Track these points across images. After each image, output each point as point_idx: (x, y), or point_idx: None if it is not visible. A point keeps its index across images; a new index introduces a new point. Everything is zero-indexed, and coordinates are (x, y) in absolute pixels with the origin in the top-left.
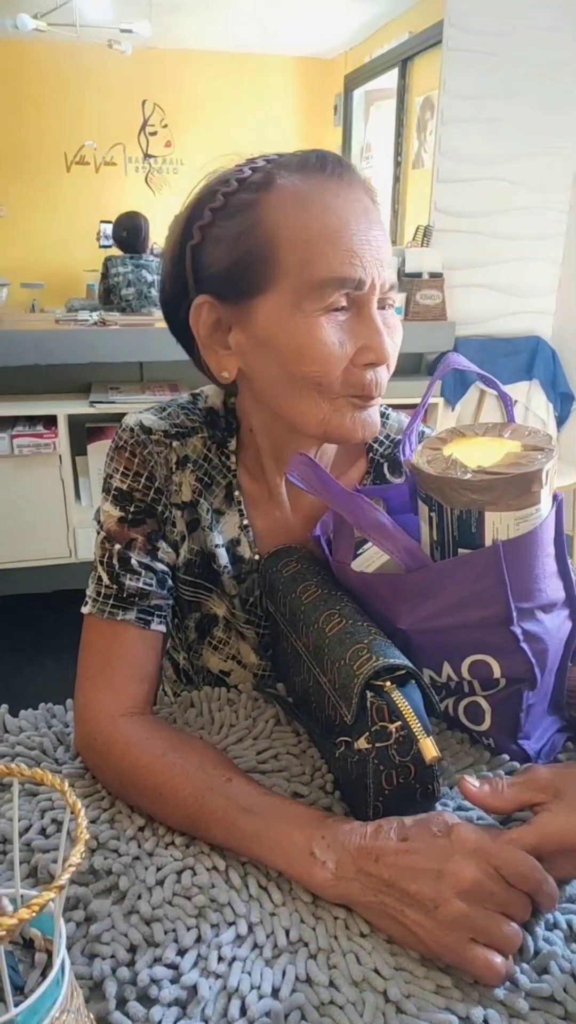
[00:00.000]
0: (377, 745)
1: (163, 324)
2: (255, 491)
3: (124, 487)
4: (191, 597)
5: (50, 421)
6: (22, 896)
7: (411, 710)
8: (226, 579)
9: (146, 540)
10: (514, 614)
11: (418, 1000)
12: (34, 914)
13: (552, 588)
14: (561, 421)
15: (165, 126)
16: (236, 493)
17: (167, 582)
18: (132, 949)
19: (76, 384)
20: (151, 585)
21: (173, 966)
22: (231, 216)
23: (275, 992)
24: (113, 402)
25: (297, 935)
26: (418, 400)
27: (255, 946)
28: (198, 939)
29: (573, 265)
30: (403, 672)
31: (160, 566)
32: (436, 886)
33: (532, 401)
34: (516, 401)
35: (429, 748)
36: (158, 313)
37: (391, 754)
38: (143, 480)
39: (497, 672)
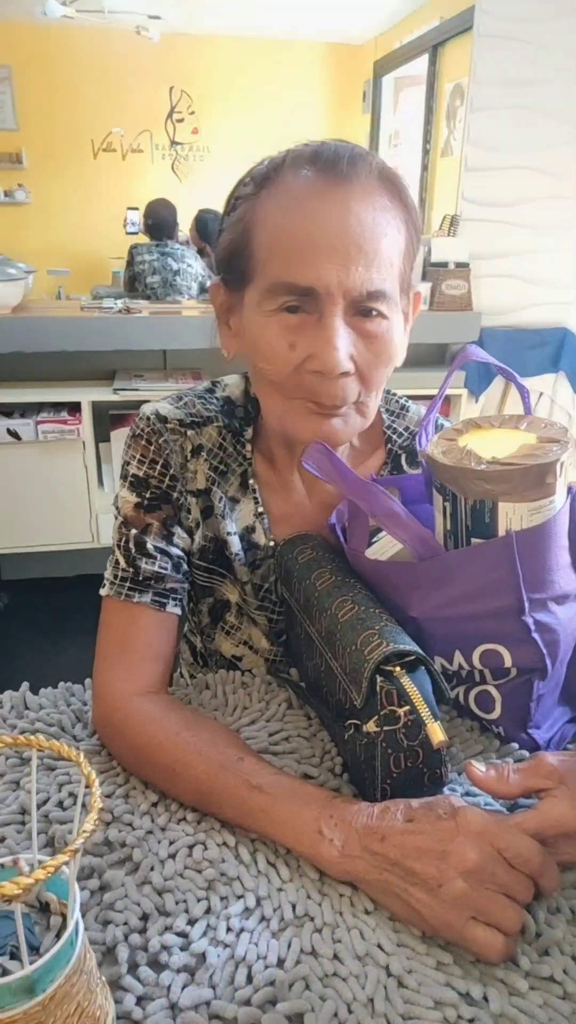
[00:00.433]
0: (386, 729)
1: (188, 312)
2: (271, 478)
3: (140, 474)
4: (204, 582)
5: (74, 408)
6: (39, 861)
7: (420, 695)
8: (238, 566)
9: (161, 525)
10: (526, 604)
11: (419, 975)
12: (49, 875)
13: (565, 579)
14: None
15: (192, 113)
16: (251, 481)
17: (182, 566)
18: (144, 917)
19: (100, 371)
20: (166, 569)
21: (183, 934)
22: (236, 207)
23: (280, 963)
24: (137, 389)
25: (303, 910)
26: (436, 392)
27: (262, 919)
28: (208, 910)
29: None
30: (413, 658)
31: (175, 551)
32: (440, 866)
33: (558, 394)
34: (541, 394)
35: (436, 732)
36: (183, 301)
37: (399, 738)
38: (158, 467)
39: (508, 661)
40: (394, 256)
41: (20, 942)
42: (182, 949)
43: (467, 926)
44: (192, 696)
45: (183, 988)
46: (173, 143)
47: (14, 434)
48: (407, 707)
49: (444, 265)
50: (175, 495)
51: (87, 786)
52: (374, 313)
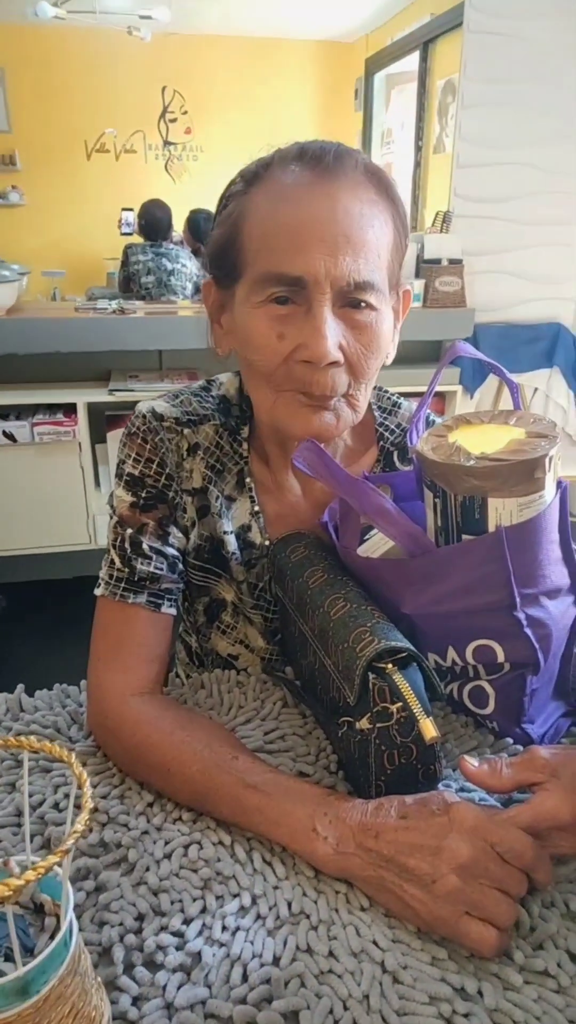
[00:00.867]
0: (379, 725)
1: (183, 313)
2: (266, 477)
3: (136, 473)
4: (200, 582)
5: (70, 409)
6: (32, 862)
7: (412, 692)
8: (234, 565)
9: (157, 525)
10: (518, 600)
11: (414, 971)
12: (40, 875)
13: (557, 574)
14: None
15: (185, 113)
16: (248, 480)
17: (177, 566)
18: (140, 917)
19: (95, 372)
20: (161, 569)
21: (179, 934)
22: (226, 205)
23: (276, 960)
24: (132, 390)
25: (299, 907)
26: (436, 388)
27: (258, 917)
28: (203, 909)
29: None
30: (405, 655)
31: (171, 551)
32: (433, 862)
33: (552, 389)
34: (536, 389)
35: (429, 728)
36: (178, 301)
37: (392, 735)
38: (154, 466)
39: (501, 657)
40: (381, 248)
41: (13, 943)
42: (178, 949)
43: (461, 921)
44: (188, 695)
45: (179, 988)
46: (166, 143)
47: (10, 436)
48: (399, 704)
49: (437, 262)
50: (171, 494)
51: (79, 787)
52: (363, 304)
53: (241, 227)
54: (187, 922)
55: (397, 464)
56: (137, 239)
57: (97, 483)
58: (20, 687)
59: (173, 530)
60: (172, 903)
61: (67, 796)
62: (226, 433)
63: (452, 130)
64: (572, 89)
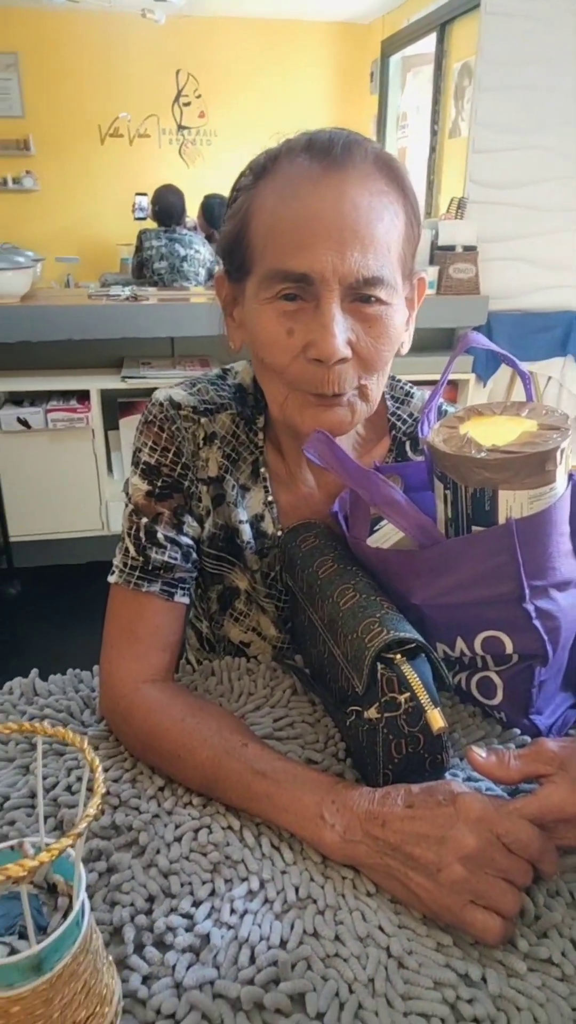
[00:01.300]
0: (387, 715)
1: (196, 300)
2: (280, 468)
3: (152, 461)
4: (214, 570)
5: (83, 396)
6: (46, 844)
7: (420, 682)
8: (248, 554)
9: (172, 514)
10: (527, 592)
11: (419, 956)
12: (53, 858)
13: (566, 567)
14: None
15: (199, 96)
16: (262, 470)
17: (192, 555)
18: (150, 899)
19: (108, 359)
20: (175, 559)
21: (188, 916)
22: (236, 199)
23: (283, 943)
24: (144, 377)
25: (306, 892)
26: (449, 376)
27: (266, 901)
28: (212, 892)
29: None
30: (413, 645)
31: (185, 540)
32: (439, 851)
33: (567, 377)
34: (550, 378)
35: (436, 719)
36: (190, 287)
37: (400, 724)
38: (171, 455)
39: (509, 648)
40: (392, 241)
41: (27, 922)
42: (187, 930)
43: (465, 909)
44: (198, 682)
45: (188, 968)
46: (180, 127)
47: (24, 422)
48: (407, 694)
49: (451, 248)
50: (186, 483)
51: (91, 772)
52: (372, 299)
53: (249, 222)
54: (196, 904)
55: (409, 454)
56: (151, 224)
57: (110, 469)
58: (34, 672)
59: (188, 519)
60: (182, 885)
61: (80, 779)
62: (242, 422)
63: (468, 114)
64: None
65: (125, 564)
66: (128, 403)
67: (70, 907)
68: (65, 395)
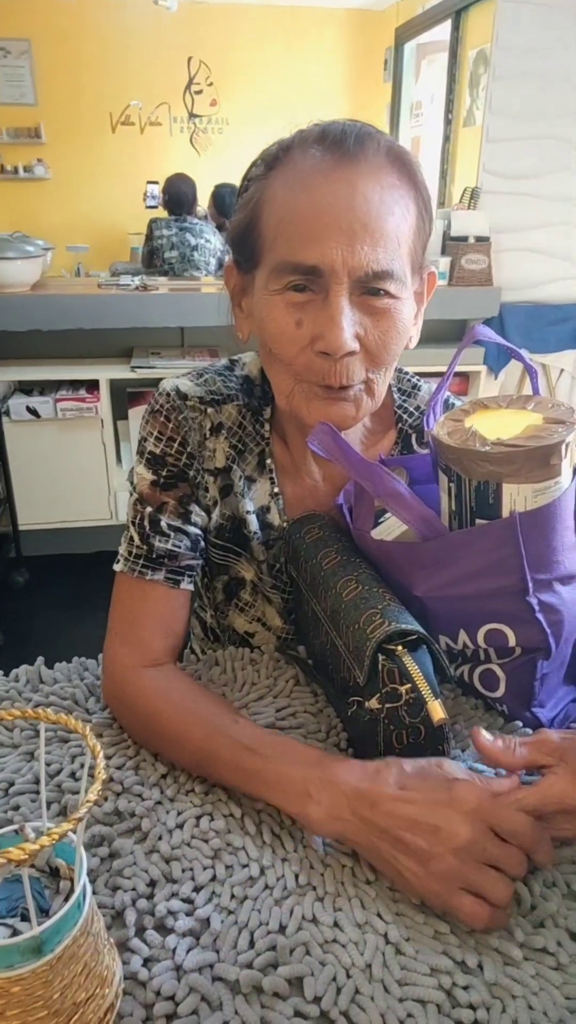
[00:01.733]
0: (388, 706)
1: (206, 289)
2: (286, 460)
3: (157, 451)
4: (220, 560)
5: (92, 385)
6: (48, 828)
7: (421, 674)
8: (255, 545)
9: (177, 504)
10: (530, 585)
11: (416, 943)
12: (53, 842)
13: (571, 560)
14: None
15: (210, 84)
16: (268, 461)
17: (199, 544)
18: (152, 884)
19: (118, 349)
20: (179, 547)
21: (189, 901)
22: (247, 188)
23: (282, 928)
24: (154, 367)
25: (306, 879)
26: (458, 368)
27: (266, 887)
28: (213, 878)
29: None
30: (415, 637)
31: (192, 529)
32: (430, 840)
33: None
34: (562, 370)
35: (437, 710)
36: (201, 277)
37: (401, 715)
38: (176, 445)
39: (512, 641)
40: (402, 235)
41: (29, 904)
42: (187, 914)
43: (454, 896)
44: (202, 672)
45: (188, 951)
46: (191, 115)
47: (33, 412)
48: (408, 685)
49: (464, 239)
50: (192, 473)
51: (93, 759)
52: (382, 293)
53: (260, 213)
54: (197, 889)
55: (415, 447)
56: (162, 213)
57: (119, 459)
58: (40, 659)
59: (194, 508)
60: (183, 871)
61: (83, 766)
62: (249, 414)
63: (483, 102)
64: None
65: (129, 553)
66: (137, 393)
67: (71, 890)
68: (74, 384)
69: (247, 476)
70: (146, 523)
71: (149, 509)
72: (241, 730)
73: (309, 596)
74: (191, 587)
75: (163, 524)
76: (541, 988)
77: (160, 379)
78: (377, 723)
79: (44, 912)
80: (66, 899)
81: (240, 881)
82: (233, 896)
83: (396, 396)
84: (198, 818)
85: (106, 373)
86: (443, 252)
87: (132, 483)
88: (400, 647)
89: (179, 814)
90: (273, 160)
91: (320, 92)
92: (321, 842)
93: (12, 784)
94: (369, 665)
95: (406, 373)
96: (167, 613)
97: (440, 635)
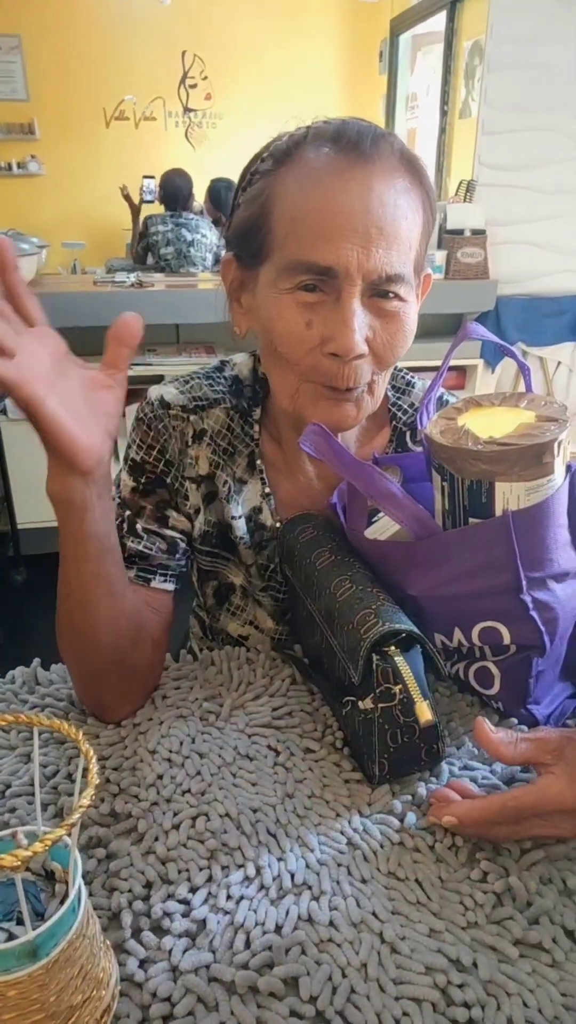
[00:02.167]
0: (382, 705)
1: (202, 286)
2: (279, 460)
3: (138, 459)
4: (208, 566)
5: None
6: (43, 832)
7: (411, 674)
8: (243, 549)
9: (155, 508)
10: (524, 583)
11: (411, 942)
12: (46, 848)
13: (564, 558)
14: None
15: (205, 78)
16: (258, 462)
17: (179, 546)
18: (148, 885)
19: None
20: (151, 549)
21: (185, 902)
22: (254, 182)
23: (278, 929)
24: (150, 364)
25: (302, 879)
26: (455, 362)
27: (261, 887)
28: (209, 879)
29: None
30: (408, 636)
31: (169, 532)
32: None
33: None
34: (559, 363)
35: (424, 711)
36: (197, 273)
37: (395, 714)
38: (155, 453)
39: (507, 639)
40: (413, 239)
41: (23, 909)
42: (183, 915)
43: None
44: (198, 672)
45: (184, 952)
46: (186, 110)
47: None
48: (400, 685)
49: (460, 232)
50: (169, 480)
51: (86, 761)
52: (391, 295)
53: (271, 209)
54: (193, 890)
55: (409, 444)
56: (157, 208)
57: (116, 455)
58: (36, 661)
59: (172, 514)
60: (179, 872)
61: (79, 768)
62: (237, 416)
63: (478, 94)
64: None
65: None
66: (134, 390)
67: (67, 894)
68: None
69: (237, 478)
70: (124, 525)
71: (128, 512)
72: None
73: (304, 596)
74: (169, 585)
75: (139, 527)
76: (537, 985)
77: (157, 376)
78: (372, 722)
79: (40, 915)
80: (62, 902)
81: (236, 881)
82: (229, 896)
83: (390, 394)
84: (194, 818)
85: None
86: (439, 245)
87: (117, 488)
88: (393, 647)
89: (175, 815)
90: (283, 155)
91: (315, 84)
92: (316, 840)
93: (9, 787)
94: (363, 665)
95: (400, 370)
96: (139, 607)
97: (435, 633)
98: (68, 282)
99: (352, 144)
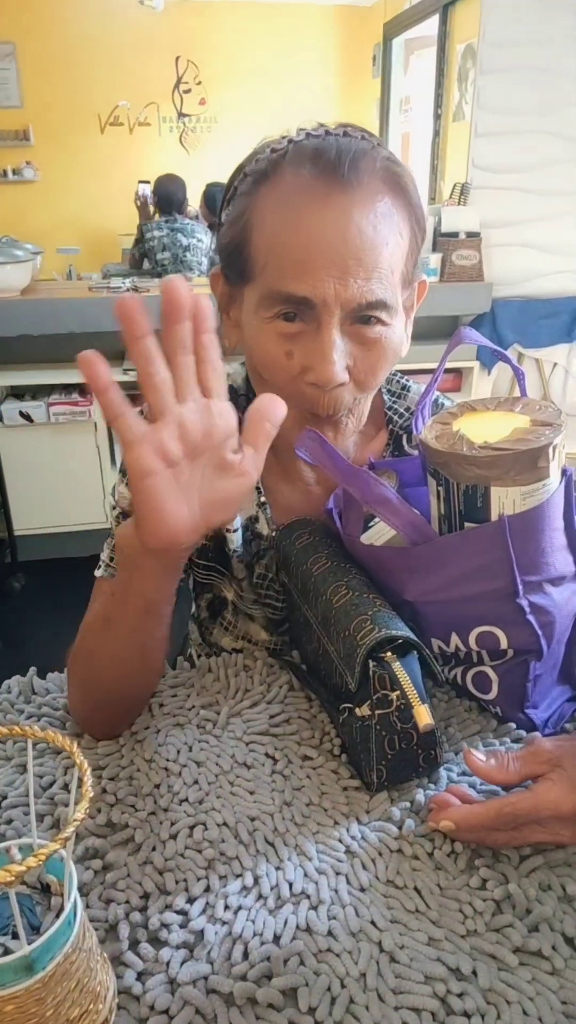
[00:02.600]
0: (379, 712)
1: (198, 290)
2: (276, 466)
3: None
4: (204, 579)
5: (85, 389)
6: (39, 844)
7: (409, 680)
8: (234, 562)
9: None
10: (520, 587)
11: (411, 951)
12: (40, 862)
13: (560, 562)
14: None
15: (199, 83)
16: None
17: None
18: (145, 896)
19: (110, 352)
20: None
21: (182, 912)
22: (236, 200)
23: (276, 939)
24: None
25: (300, 888)
26: (451, 365)
27: (259, 897)
28: (207, 889)
29: None
30: (405, 642)
31: None
32: None
33: (572, 364)
34: (556, 364)
35: (423, 715)
36: (193, 278)
37: (393, 721)
38: None
39: (504, 643)
40: (395, 262)
41: (18, 923)
42: (181, 927)
43: None
44: (195, 679)
45: (182, 964)
46: (180, 115)
47: (26, 416)
48: (398, 691)
49: (454, 235)
50: None
51: (80, 776)
52: (373, 320)
53: (250, 234)
54: (191, 901)
55: (406, 448)
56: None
57: (113, 462)
58: (32, 670)
59: None
60: (177, 882)
61: (76, 778)
62: None
63: (472, 97)
64: None
65: (111, 559)
66: (131, 396)
67: (63, 907)
68: (67, 388)
69: None
70: None
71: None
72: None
73: (301, 602)
74: None
75: None
76: (537, 993)
77: None
78: (369, 729)
79: (36, 929)
80: (57, 916)
81: (234, 891)
82: (227, 907)
83: (386, 397)
84: (191, 828)
85: None
86: (434, 248)
87: (115, 498)
88: (389, 653)
89: (172, 824)
90: (262, 176)
91: (309, 88)
92: (315, 849)
93: (5, 798)
94: (360, 672)
95: (395, 374)
96: None
97: (432, 638)
98: (63, 288)
99: (331, 167)
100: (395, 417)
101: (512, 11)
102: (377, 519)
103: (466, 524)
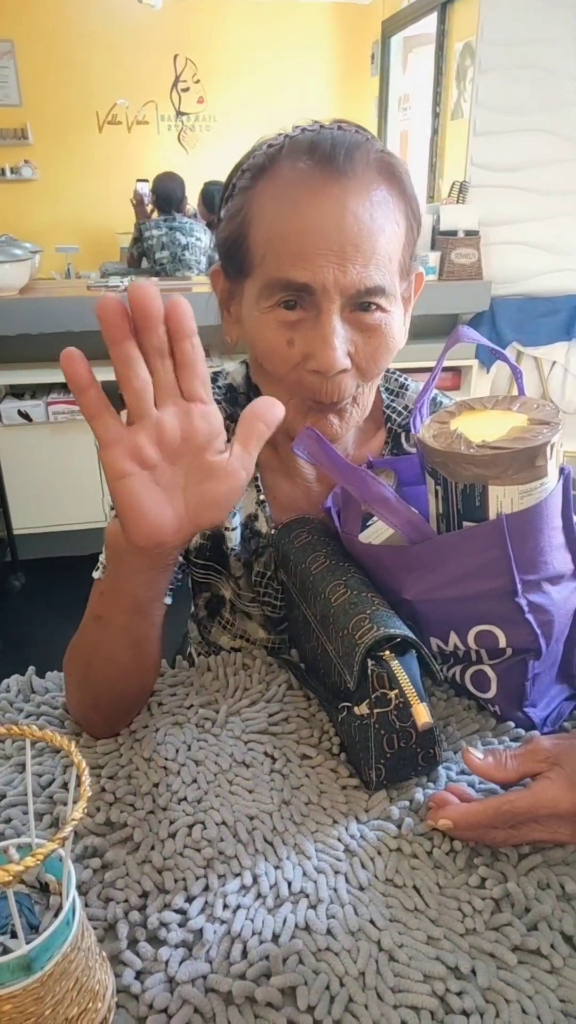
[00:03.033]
0: (377, 711)
1: (197, 289)
2: (276, 464)
3: None
4: (202, 578)
5: None
6: (37, 843)
7: (407, 678)
8: (232, 561)
9: None
10: (519, 586)
11: (410, 950)
12: (38, 862)
13: (559, 560)
14: None
15: (197, 81)
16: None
17: (176, 560)
18: (144, 895)
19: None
20: None
21: (181, 911)
22: (234, 196)
23: (275, 938)
24: None
25: (299, 887)
26: (450, 363)
27: (258, 895)
28: (205, 888)
29: None
30: (403, 640)
31: None
32: None
33: (571, 362)
34: (555, 363)
35: (422, 714)
36: (192, 276)
37: (391, 720)
38: None
39: (503, 642)
40: (393, 250)
41: (16, 922)
42: (180, 925)
43: None
44: (194, 678)
45: (181, 963)
46: (179, 114)
47: (25, 415)
48: (396, 690)
49: (453, 233)
50: None
51: (78, 775)
52: (372, 307)
53: (248, 227)
54: (190, 900)
55: (404, 446)
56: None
57: None
58: (31, 669)
59: None
60: (175, 881)
61: (74, 777)
62: (232, 425)
63: (470, 95)
64: None
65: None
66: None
67: (61, 906)
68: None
69: None
70: None
71: None
72: None
73: (299, 601)
74: (167, 600)
75: None
76: (536, 992)
77: None
78: (368, 728)
79: (35, 928)
80: (56, 915)
81: (233, 890)
82: (226, 906)
83: (384, 396)
84: (190, 827)
85: (98, 375)
86: (432, 247)
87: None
88: (388, 652)
89: (171, 823)
90: (260, 171)
91: (307, 86)
92: (314, 848)
93: (4, 797)
94: (358, 670)
95: (393, 373)
96: None
97: (431, 637)
98: (62, 287)
99: (326, 158)
100: (393, 415)
101: (511, 9)
102: (375, 518)
103: (464, 523)
